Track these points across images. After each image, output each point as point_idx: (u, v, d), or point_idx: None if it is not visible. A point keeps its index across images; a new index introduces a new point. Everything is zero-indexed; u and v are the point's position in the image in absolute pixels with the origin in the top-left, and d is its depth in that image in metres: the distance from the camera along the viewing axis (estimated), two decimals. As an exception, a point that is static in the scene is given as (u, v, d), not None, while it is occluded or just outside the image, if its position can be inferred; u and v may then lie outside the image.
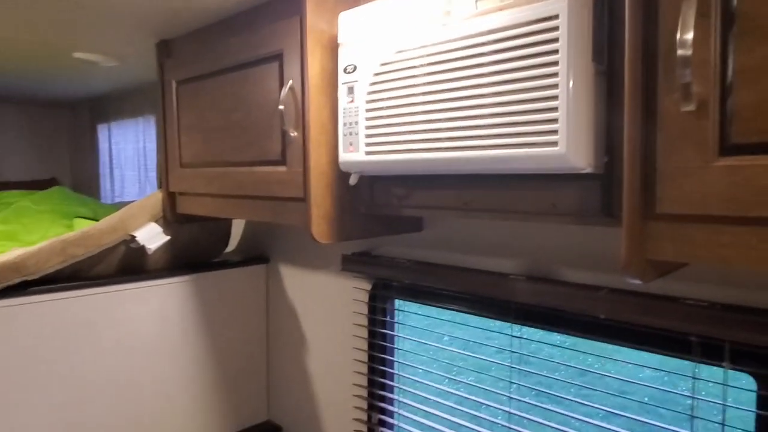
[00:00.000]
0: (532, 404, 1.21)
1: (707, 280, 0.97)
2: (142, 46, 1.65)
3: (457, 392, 1.37)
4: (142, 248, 1.54)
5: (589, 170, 0.80)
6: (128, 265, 1.58)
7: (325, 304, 1.70)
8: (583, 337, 1.11)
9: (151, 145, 2.44)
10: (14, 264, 1.32)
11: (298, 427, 1.83)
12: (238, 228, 2.02)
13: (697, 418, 0.98)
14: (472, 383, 1.34)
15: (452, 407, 1.35)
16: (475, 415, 1.31)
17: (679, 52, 0.64)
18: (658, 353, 1.01)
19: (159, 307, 1.62)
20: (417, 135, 0.95)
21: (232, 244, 1.98)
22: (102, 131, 2.85)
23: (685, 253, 0.69)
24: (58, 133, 3.20)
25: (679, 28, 0.64)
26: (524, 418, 1.22)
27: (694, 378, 0.98)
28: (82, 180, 3.13)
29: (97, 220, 1.83)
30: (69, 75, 2.19)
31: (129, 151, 2.63)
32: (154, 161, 2.43)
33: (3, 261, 1.31)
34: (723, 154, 0.64)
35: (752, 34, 0.61)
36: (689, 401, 1.00)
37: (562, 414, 1.17)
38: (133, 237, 1.51)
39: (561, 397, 1.18)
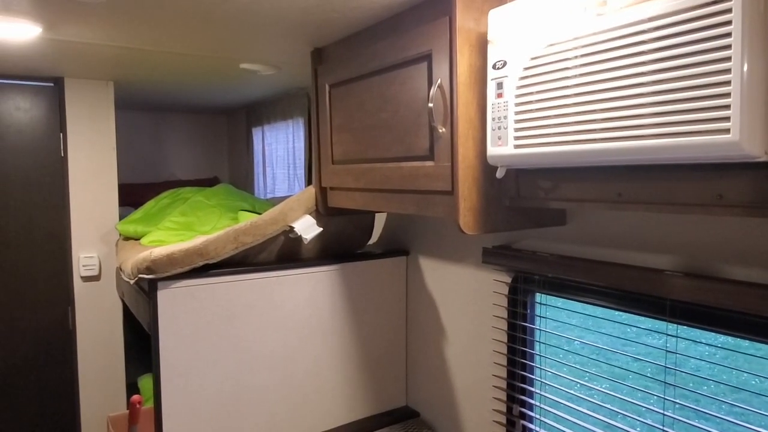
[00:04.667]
0: (688, 406, 1.15)
1: None
2: (297, 54, 1.81)
3: (600, 388, 1.34)
4: (299, 238, 1.70)
5: (764, 158, 0.75)
6: (285, 253, 1.75)
7: (463, 295, 1.74)
8: (749, 339, 1.04)
9: (300, 145, 2.66)
10: (199, 250, 1.53)
11: (436, 414, 1.90)
12: (380, 222, 2.13)
13: None
14: (617, 381, 1.30)
15: (595, 404, 1.32)
16: (621, 414, 1.27)
17: None
18: None
19: (310, 292, 1.78)
20: (569, 127, 0.95)
21: (375, 237, 2.10)
22: (256, 134, 3.17)
23: None
24: (218, 136, 3.61)
25: None
26: (678, 420, 1.16)
27: None
28: (239, 178, 3.49)
29: (258, 213, 2.05)
30: (232, 85, 2.46)
31: (279, 151, 2.89)
32: (301, 160, 2.65)
33: (190, 247, 1.53)
34: None
35: None
36: None
37: (720, 417, 1.09)
38: (292, 228, 1.67)
39: (719, 399, 1.11)
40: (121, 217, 2.42)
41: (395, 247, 2.03)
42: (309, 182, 2.60)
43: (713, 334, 1.10)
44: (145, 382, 2.45)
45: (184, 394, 1.57)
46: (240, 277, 1.63)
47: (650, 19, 0.82)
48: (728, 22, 0.73)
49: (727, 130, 0.74)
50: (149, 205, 2.42)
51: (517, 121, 1.04)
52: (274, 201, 2.13)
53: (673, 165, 0.89)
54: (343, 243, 1.90)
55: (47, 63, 2.00)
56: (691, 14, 0.77)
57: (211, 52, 1.81)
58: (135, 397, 1.64)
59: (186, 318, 1.56)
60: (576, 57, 0.93)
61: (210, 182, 3.32)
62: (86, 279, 2.35)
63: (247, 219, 1.92)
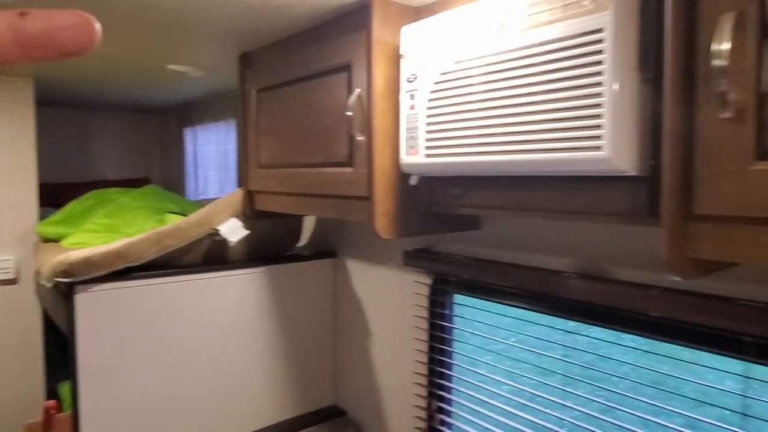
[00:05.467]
0: (587, 398, 1.25)
1: (764, 280, 0.98)
2: (226, 58, 1.82)
3: (514, 384, 1.43)
4: (225, 241, 1.71)
5: (633, 173, 0.84)
6: (212, 255, 1.75)
7: (387, 296, 1.80)
8: (633, 333, 1.15)
9: (232, 147, 2.65)
10: (119, 252, 1.51)
11: (362, 411, 1.95)
12: (309, 225, 2.16)
13: (750, 417, 0.99)
14: (528, 375, 1.39)
15: (505, 396, 1.41)
16: (531, 407, 1.36)
17: (716, 62, 0.68)
18: (708, 351, 1.03)
19: (237, 294, 1.78)
20: (473, 139, 1.02)
21: (304, 239, 2.12)
22: (188, 134, 3.11)
23: (724, 252, 0.72)
24: (149, 136, 3.52)
25: (716, 39, 0.68)
26: (580, 411, 1.26)
27: (746, 377, 1.00)
28: (170, 178, 3.42)
29: (185, 215, 2.03)
30: (161, 84, 2.42)
31: (211, 152, 2.86)
32: (233, 162, 2.63)
33: (110, 249, 1.51)
34: (760, 159, 0.68)
35: (789, 45, 0.65)
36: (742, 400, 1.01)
37: (612, 406, 1.20)
38: (217, 230, 1.68)
39: (615, 391, 1.22)
40: (43, 218, 2.33)
41: (323, 249, 2.07)
42: (240, 184, 2.59)
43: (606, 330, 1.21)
44: (66, 388, 2.36)
45: (104, 400, 1.54)
46: (164, 280, 1.62)
47: (541, 44, 0.91)
48: (600, 51, 0.81)
49: (599, 147, 0.82)
50: (72, 206, 2.34)
51: (428, 132, 1.11)
52: (205, 203, 2.11)
53: (564, 176, 0.98)
54: (271, 245, 1.91)
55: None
56: (572, 41, 0.85)
57: (136, 52, 1.78)
58: (49, 402, 1.59)
59: (107, 322, 1.53)
60: (479, 74, 1.01)
61: (140, 182, 3.24)
62: (2, 283, 2.24)
63: (173, 221, 1.90)
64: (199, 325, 1.70)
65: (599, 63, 0.82)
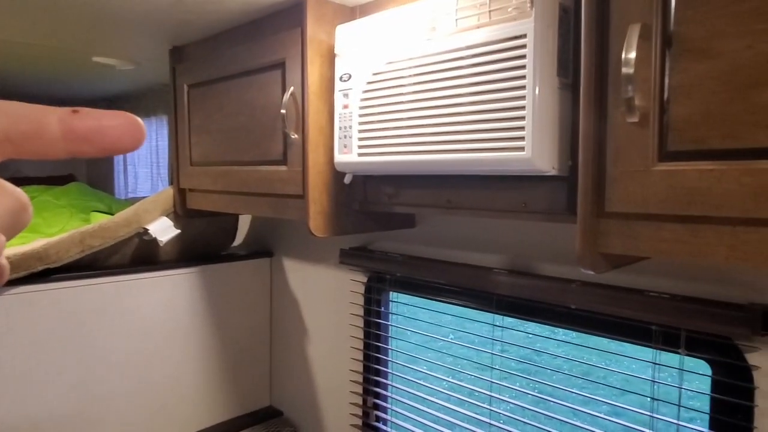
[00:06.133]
0: (512, 388, 1.31)
1: (669, 273, 1.05)
2: (156, 51, 1.76)
3: (445, 378, 1.47)
4: (155, 240, 1.65)
5: (553, 173, 0.89)
6: (141, 256, 1.69)
7: (324, 295, 1.80)
8: (556, 326, 1.21)
9: (163, 143, 2.56)
10: (37, 253, 1.43)
11: (298, 412, 1.94)
12: (244, 224, 2.12)
13: (658, 400, 1.07)
14: (458, 369, 1.43)
15: (441, 392, 1.45)
16: (461, 399, 1.40)
17: (624, 70, 0.73)
18: (622, 341, 1.10)
19: (169, 296, 1.73)
20: (404, 138, 1.05)
21: (239, 238, 2.09)
22: (116, 130, 2.97)
23: (631, 247, 0.78)
24: (75, 130, 3.33)
25: (624, 48, 0.73)
26: (505, 401, 1.31)
27: (654, 364, 1.07)
28: (97, 176, 3.26)
29: (112, 214, 1.95)
30: (86, 77, 2.30)
31: (142, 149, 2.75)
32: (165, 159, 2.55)
33: (27, 250, 1.42)
34: (661, 160, 0.73)
35: (687, 55, 0.71)
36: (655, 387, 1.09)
37: (541, 398, 1.26)
38: (146, 230, 1.62)
39: (544, 383, 1.28)
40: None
41: (260, 248, 2.04)
42: (172, 182, 2.52)
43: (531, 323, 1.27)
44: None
45: (25, 410, 1.45)
46: (87, 282, 1.55)
47: (468, 47, 0.94)
48: (523, 56, 0.85)
49: (522, 148, 0.86)
50: (-15, 204, 2.18)
51: (360, 131, 1.12)
52: (135, 201, 2.03)
53: (490, 176, 1.02)
54: (204, 245, 1.87)
55: None
56: (496, 46, 0.89)
57: (58, 43, 1.69)
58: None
59: (23, 327, 1.44)
60: (410, 76, 1.03)
61: (64, 180, 3.06)
62: None
63: (99, 220, 1.82)
64: (127, 329, 1.64)
65: (522, 68, 0.86)
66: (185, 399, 1.80)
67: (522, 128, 0.86)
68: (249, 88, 1.40)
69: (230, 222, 1.94)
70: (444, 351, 1.52)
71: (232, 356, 1.91)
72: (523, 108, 0.86)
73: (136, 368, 1.67)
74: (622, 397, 1.16)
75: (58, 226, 1.96)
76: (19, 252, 1.42)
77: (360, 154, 1.12)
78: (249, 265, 1.94)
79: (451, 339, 1.49)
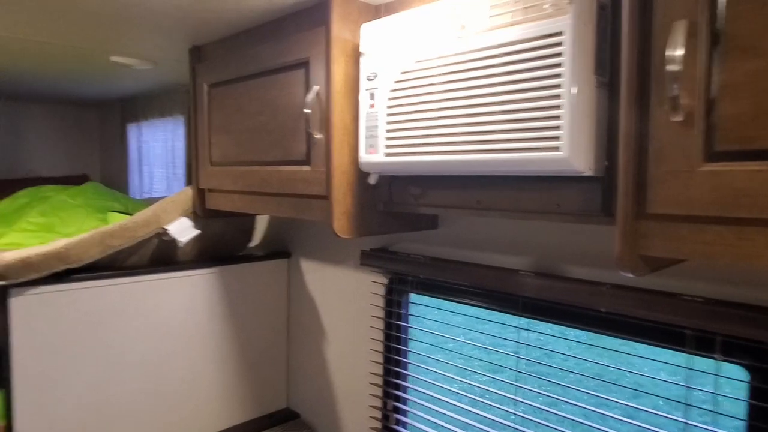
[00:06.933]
0: (536, 392, 1.29)
1: (704, 277, 1.03)
2: (175, 51, 1.75)
3: (467, 381, 1.45)
4: (174, 241, 1.64)
5: (589, 173, 0.87)
6: (160, 256, 1.68)
7: (343, 297, 1.78)
8: (584, 330, 1.19)
9: (179, 143, 2.56)
10: (59, 253, 1.43)
11: (316, 414, 1.92)
12: (261, 224, 2.11)
13: (691, 406, 1.05)
14: (480, 372, 1.41)
15: (462, 395, 1.43)
16: (483, 402, 1.38)
17: (669, 67, 0.71)
18: (654, 345, 1.07)
19: (187, 296, 1.72)
20: (433, 138, 1.03)
21: (256, 239, 2.08)
22: (131, 130, 2.98)
23: (673, 249, 0.76)
24: (89, 131, 3.34)
25: (669, 46, 0.71)
26: (529, 405, 1.29)
27: (688, 369, 1.05)
28: (112, 176, 3.26)
29: (129, 214, 1.95)
30: (102, 77, 2.30)
31: (158, 149, 2.75)
32: (181, 159, 2.54)
33: (49, 250, 1.42)
34: (707, 160, 0.71)
35: (734, 53, 0.68)
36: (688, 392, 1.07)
37: (559, 399, 1.24)
38: (166, 230, 1.61)
39: (561, 384, 1.26)
40: (-31, 216, 2.17)
41: (277, 249, 2.03)
42: (189, 183, 2.51)
43: (558, 326, 1.25)
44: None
45: (42, 410, 1.45)
46: (107, 282, 1.54)
47: (500, 45, 0.92)
48: (559, 54, 0.83)
49: (558, 148, 0.84)
50: (4, 204, 2.19)
51: (388, 131, 1.10)
52: (151, 201, 2.03)
53: (522, 176, 1.00)
54: (222, 245, 1.86)
55: None
56: (531, 44, 0.87)
57: (77, 42, 1.69)
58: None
59: (45, 327, 1.44)
60: (439, 74, 1.01)
61: (79, 180, 3.07)
62: None
63: (117, 220, 1.81)
64: (145, 329, 1.63)
65: (558, 65, 0.84)
66: (203, 400, 1.79)
67: (558, 128, 0.84)
68: (271, 88, 1.38)
69: (248, 222, 1.93)
70: (465, 353, 1.50)
71: (250, 357, 1.90)
72: (559, 107, 0.84)
73: (154, 368, 1.66)
74: (635, 400, 1.14)
75: (74, 226, 1.96)
76: (41, 252, 1.41)
77: (387, 154, 1.11)
78: (267, 266, 1.93)
79: (472, 341, 1.47)
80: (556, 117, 0.84)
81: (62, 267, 1.44)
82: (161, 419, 1.69)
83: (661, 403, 1.13)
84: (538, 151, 0.87)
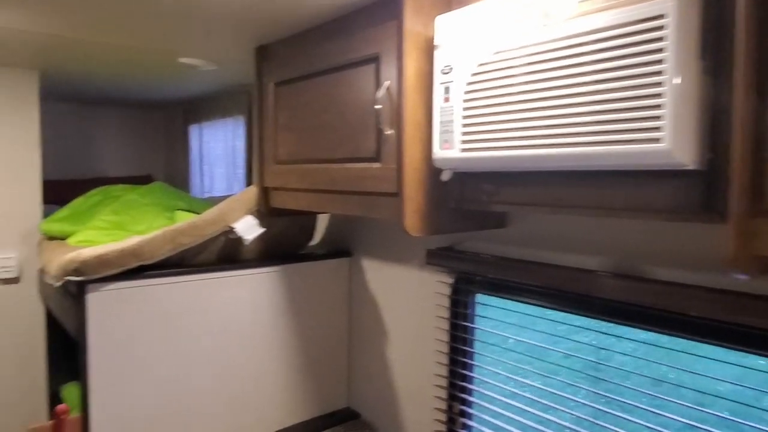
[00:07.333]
0: (612, 398, 1.22)
1: (813, 280, 0.94)
2: (240, 51, 1.77)
3: (534, 384, 1.39)
4: (239, 239, 1.66)
5: (692, 167, 0.81)
6: (226, 254, 1.71)
7: (406, 297, 1.76)
8: (672, 335, 1.11)
9: (240, 144, 2.60)
10: (133, 250, 1.46)
11: (378, 414, 1.90)
12: (321, 224, 2.11)
13: (800, 421, 0.96)
14: (551, 377, 1.35)
15: (530, 398, 1.37)
16: (553, 407, 1.32)
17: (795, 49, 0.64)
18: (754, 353, 0.99)
19: (252, 294, 1.74)
20: (513, 132, 0.99)
21: (316, 238, 2.08)
22: (193, 131, 3.06)
23: (796, 249, 0.69)
24: (153, 133, 3.45)
25: (795, 25, 0.65)
26: (605, 412, 1.23)
27: (796, 380, 0.96)
28: (174, 176, 3.36)
29: (195, 213, 1.98)
30: (168, 78, 2.37)
31: (218, 149, 2.81)
32: (241, 159, 2.58)
33: (124, 247, 1.46)
34: (840, 151, 0.64)
35: None
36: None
37: (641, 408, 1.17)
38: (232, 228, 1.63)
39: (642, 391, 1.18)
40: (45, 215, 2.27)
41: (337, 248, 2.03)
42: (249, 182, 2.55)
43: (638, 330, 1.17)
44: (69, 391, 2.30)
45: (115, 403, 1.49)
46: (177, 279, 1.57)
47: (591, 32, 0.87)
48: (661, 39, 0.78)
49: (659, 140, 0.79)
50: (77, 202, 2.28)
51: (464, 125, 1.07)
52: (213, 201, 2.06)
53: (608, 172, 0.94)
54: (284, 244, 1.87)
55: (-38, 47, 1.84)
56: (628, 29, 0.82)
57: (148, 44, 1.73)
58: (61, 406, 1.54)
59: (118, 322, 1.48)
60: (521, 65, 0.97)
61: (143, 180, 3.18)
62: (4, 282, 2.18)
63: (184, 219, 1.85)
64: (211, 326, 1.65)
65: (660, 51, 0.78)
66: (267, 397, 1.80)
67: (659, 118, 0.78)
68: (338, 85, 1.37)
69: (309, 221, 1.93)
70: (535, 356, 1.44)
71: (311, 356, 1.90)
72: (660, 96, 0.78)
73: (220, 365, 1.68)
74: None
75: (144, 224, 2.01)
76: (116, 249, 1.45)
77: (463, 150, 1.07)
78: (328, 265, 1.92)
79: (543, 344, 1.41)
80: (657, 107, 0.78)
81: (136, 264, 1.48)
82: (227, 415, 1.71)
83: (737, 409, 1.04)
84: (635, 144, 0.81)
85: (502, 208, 1.15)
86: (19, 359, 2.24)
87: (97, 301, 1.44)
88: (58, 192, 2.74)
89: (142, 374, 1.53)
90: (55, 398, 2.35)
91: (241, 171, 2.59)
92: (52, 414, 1.59)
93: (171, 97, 2.95)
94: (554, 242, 1.33)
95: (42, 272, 2.09)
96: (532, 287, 1.36)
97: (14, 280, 2.20)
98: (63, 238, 2.10)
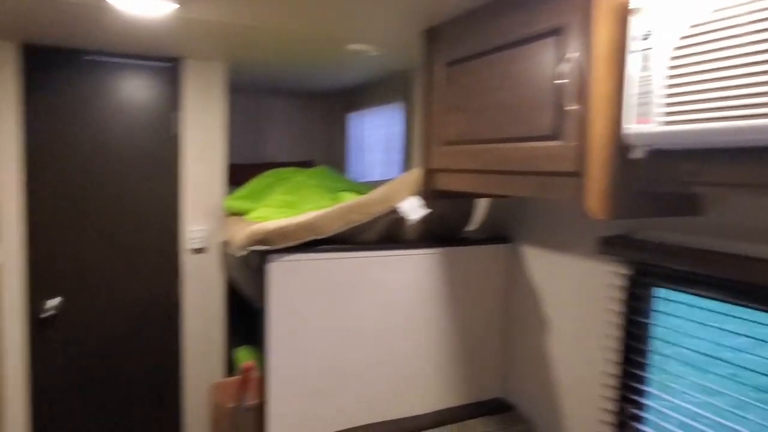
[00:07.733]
0: None
1: None
2: (408, 34, 1.79)
3: (726, 391, 1.23)
4: (402, 219, 1.69)
5: None
6: (388, 234, 1.75)
7: (571, 287, 1.66)
8: None
9: (397, 130, 2.66)
10: (309, 224, 1.56)
11: (533, 408, 1.83)
12: (479, 209, 2.08)
13: None
14: (748, 384, 1.19)
15: (721, 409, 1.21)
16: (750, 420, 1.16)
17: None
18: None
19: (411, 274, 1.76)
20: (734, 101, 0.86)
21: (473, 224, 2.05)
22: (352, 118, 3.20)
23: None
24: (314, 121, 3.68)
25: None
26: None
27: None
28: (332, 161, 3.55)
29: (358, 194, 2.07)
30: (332, 68, 2.49)
31: (375, 136, 2.90)
32: (398, 145, 2.64)
33: (301, 221, 1.56)
34: None
35: None
36: None
37: None
38: (397, 208, 1.66)
39: None
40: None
41: (495, 233, 1.98)
42: (407, 167, 2.60)
43: None
44: (241, 354, 2.55)
45: (290, 367, 1.61)
46: (345, 255, 1.65)
47: None
48: None
49: None
50: (254, 183, 2.51)
51: (668, 95, 0.96)
52: (372, 185, 2.12)
53: None
54: (444, 227, 1.87)
55: (169, 42, 2.10)
56: None
57: (322, 31, 1.82)
58: (247, 363, 1.70)
59: (293, 292, 1.59)
60: (748, 23, 0.84)
61: (306, 165, 3.40)
62: (195, 251, 2.48)
63: (348, 199, 1.93)
64: (374, 302, 1.71)
65: None
66: (420, 378, 1.82)
67: None
68: (514, 61, 1.32)
69: (467, 205, 1.91)
70: (729, 361, 1.27)
71: (464, 342, 1.89)
72: None
73: (380, 341, 1.73)
74: None
75: (312, 204, 2.15)
76: (294, 222, 1.56)
77: (667, 122, 0.97)
78: (487, 250, 1.89)
79: (739, 348, 1.24)
80: None
81: (311, 237, 1.58)
82: (386, 390, 1.76)
83: None
84: None
85: (705, 190, 1.02)
86: (202, 321, 2.53)
87: (276, 270, 1.56)
88: (234, 174, 3.04)
89: (312, 342, 1.63)
90: (229, 360, 2.62)
91: (398, 156, 2.65)
92: (239, 371, 1.76)
93: (331, 87, 3.11)
94: (760, 234, 1.15)
95: (225, 244, 2.34)
96: (729, 283, 1.20)
97: (203, 250, 2.49)
98: (241, 215, 2.32)
